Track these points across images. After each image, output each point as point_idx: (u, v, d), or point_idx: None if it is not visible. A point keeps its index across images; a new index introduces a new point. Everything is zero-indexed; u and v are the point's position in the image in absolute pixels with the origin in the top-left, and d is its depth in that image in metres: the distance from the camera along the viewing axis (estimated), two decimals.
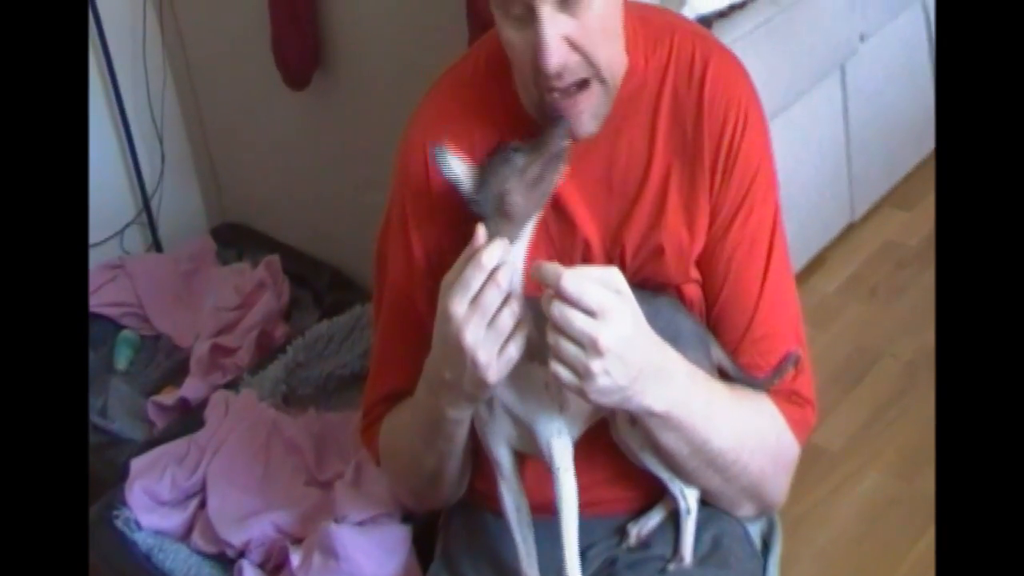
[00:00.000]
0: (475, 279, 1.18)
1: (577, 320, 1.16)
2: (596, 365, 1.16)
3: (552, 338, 1.17)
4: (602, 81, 1.28)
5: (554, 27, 1.22)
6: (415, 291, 1.38)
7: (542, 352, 1.24)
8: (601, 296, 1.16)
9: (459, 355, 1.20)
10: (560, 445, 1.28)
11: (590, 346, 1.16)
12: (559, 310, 1.16)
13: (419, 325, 1.34)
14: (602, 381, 1.17)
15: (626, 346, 1.17)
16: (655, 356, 1.23)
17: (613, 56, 1.29)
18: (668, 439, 1.29)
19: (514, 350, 1.20)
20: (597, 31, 1.25)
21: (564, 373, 1.18)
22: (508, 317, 1.19)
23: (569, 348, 1.17)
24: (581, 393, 1.19)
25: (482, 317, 1.18)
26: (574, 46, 1.24)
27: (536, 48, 1.22)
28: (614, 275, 1.20)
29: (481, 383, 1.21)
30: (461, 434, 1.33)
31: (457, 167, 1.23)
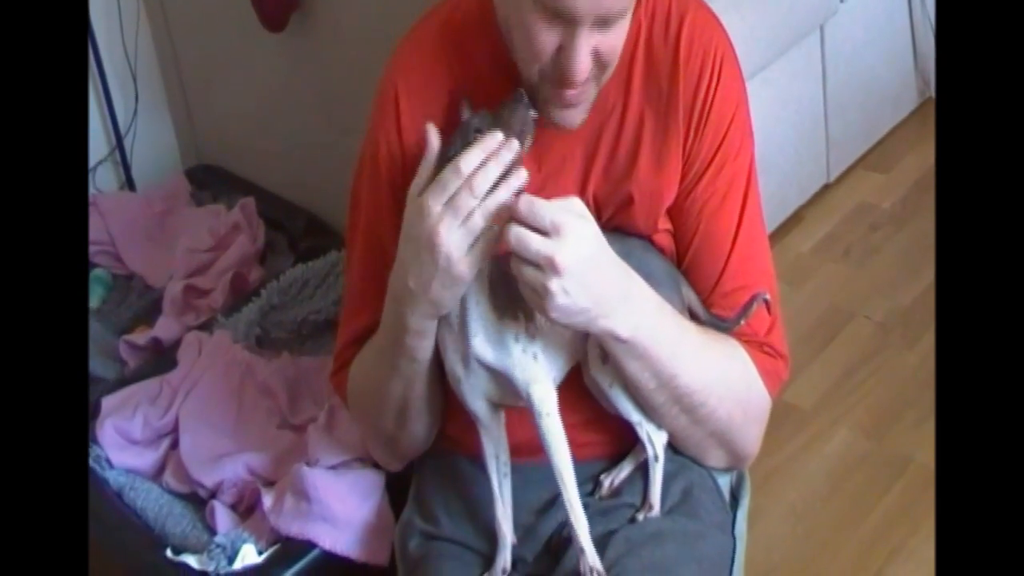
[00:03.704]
0: (452, 183, 1.19)
1: (533, 241, 1.17)
2: (554, 284, 1.17)
3: (514, 264, 1.19)
4: (601, 79, 1.28)
5: (587, 44, 1.22)
6: (387, 233, 1.37)
7: (511, 308, 1.27)
8: (556, 215, 1.17)
9: (430, 252, 1.20)
10: (540, 391, 1.29)
11: (547, 265, 1.17)
12: (515, 233, 1.17)
13: (390, 266, 1.33)
14: (560, 300, 1.18)
15: (586, 266, 1.18)
16: (622, 280, 1.24)
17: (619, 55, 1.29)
18: (634, 368, 1.29)
19: (483, 246, 1.21)
20: (619, 45, 1.25)
21: (528, 294, 1.20)
22: (479, 219, 1.19)
23: (527, 271, 1.18)
24: (543, 312, 1.20)
25: (454, 217, 1.19)
26: (597, 58, 1.24)
27: (565, 59, 1.22)
28: (573, 201, 1.21)
29: (454, 279, 1.21)
30: (424, 349, 1.32)
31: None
